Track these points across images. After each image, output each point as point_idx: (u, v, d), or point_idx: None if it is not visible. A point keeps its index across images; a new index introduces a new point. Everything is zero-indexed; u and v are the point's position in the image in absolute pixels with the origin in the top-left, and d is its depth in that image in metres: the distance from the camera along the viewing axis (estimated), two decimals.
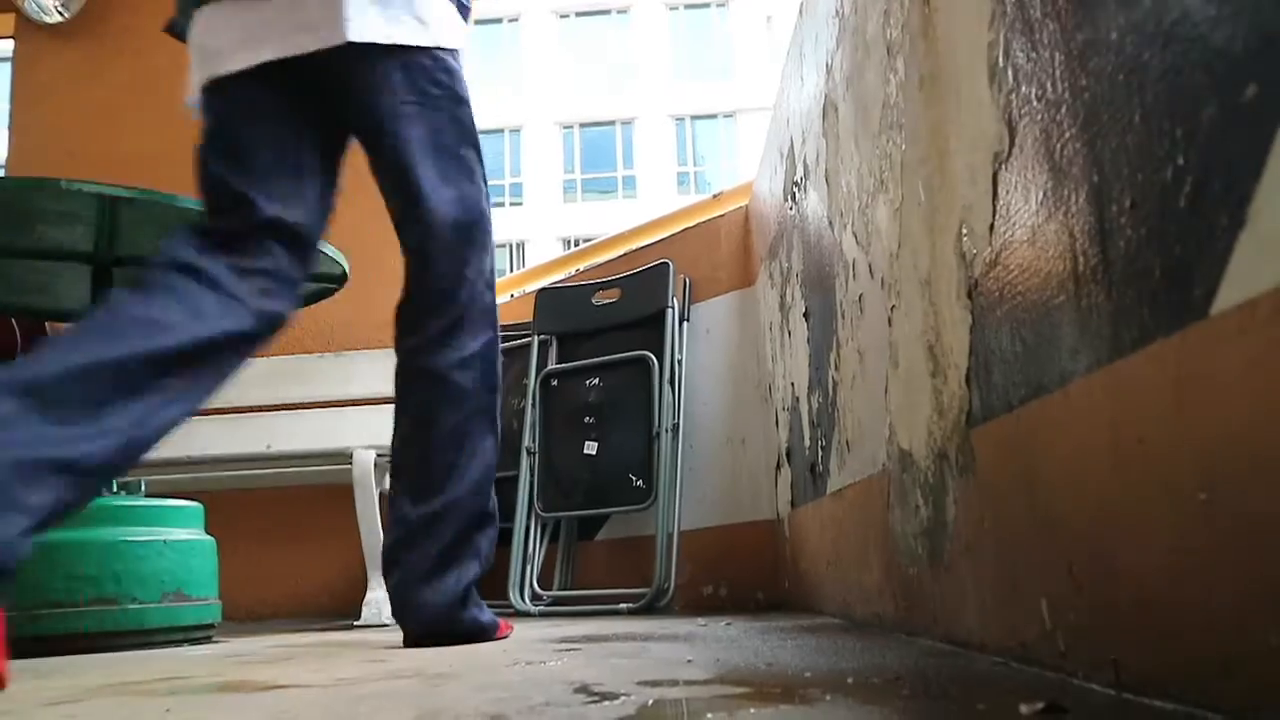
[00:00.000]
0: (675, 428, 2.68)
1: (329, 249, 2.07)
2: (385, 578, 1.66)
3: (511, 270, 10.06)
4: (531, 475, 2.84)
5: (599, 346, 2.93)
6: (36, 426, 1.15)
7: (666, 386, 2.71)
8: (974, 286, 0.97)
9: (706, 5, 25.14)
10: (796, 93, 1.99)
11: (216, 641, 1.93)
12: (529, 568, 2.75)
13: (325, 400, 3.18)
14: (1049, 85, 0.77)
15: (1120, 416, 0.67)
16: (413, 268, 1.69)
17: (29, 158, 3.52)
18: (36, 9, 3.53)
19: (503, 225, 22.11)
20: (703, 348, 2.84)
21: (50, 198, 1.78)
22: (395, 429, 1.70)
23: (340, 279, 2.29)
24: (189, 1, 1.61)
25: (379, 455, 2.69)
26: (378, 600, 2.59)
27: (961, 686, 0.80)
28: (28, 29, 3.63)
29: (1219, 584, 0.56)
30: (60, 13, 3.55)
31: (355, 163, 1.66)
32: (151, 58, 3.46)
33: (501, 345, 1.76)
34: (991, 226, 0.91)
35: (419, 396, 1.67)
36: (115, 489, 1.93)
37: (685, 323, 2.84)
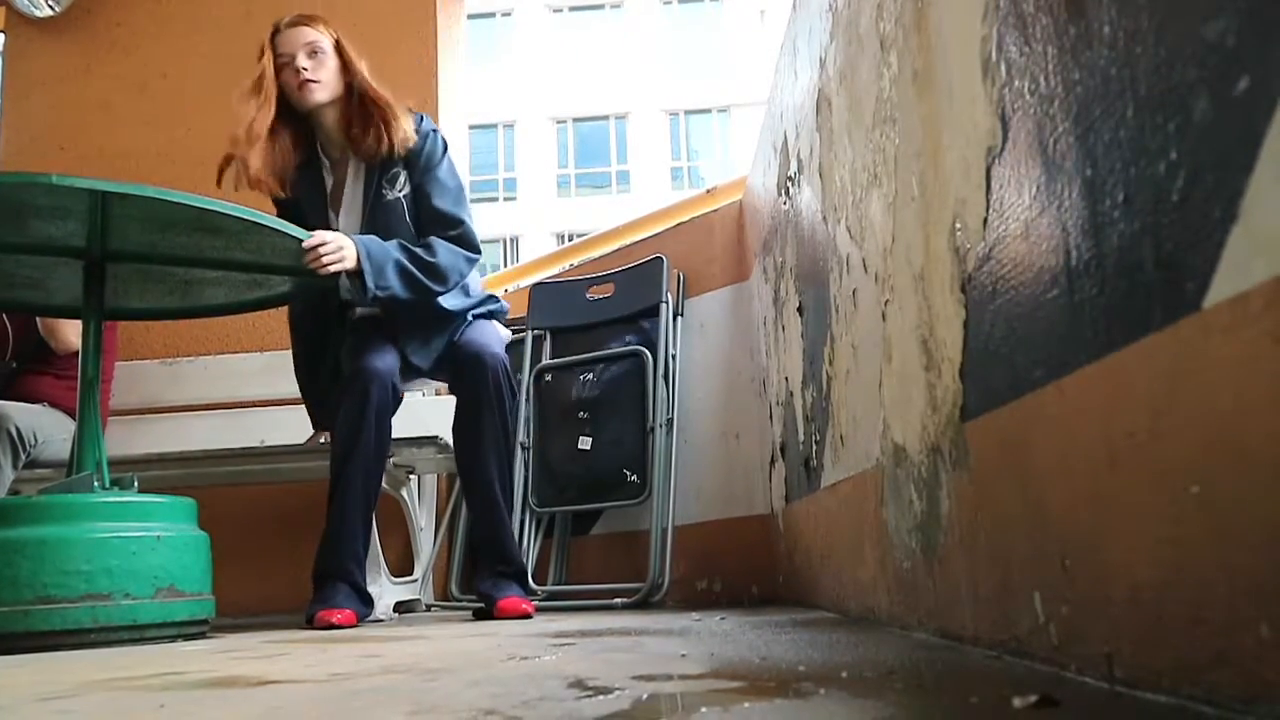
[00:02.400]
0: (669, 423, 2.68)
1: None
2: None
3: (505, 265, 10.06)
4: (526, 470, 2.84)
5: (593, 341, 2.93)
6: None
7: (660, 381, 2.71)
8: (968, 281, 0.97)
9: None
10: (790, 87, 1.98)
11: (210, 637, 1.93)
12: (524, 563, 2.75)
13: None
14: (1042, 79, 0.77)
15: (1113, 410, 0.67)
16: None
17: (20, 153, 3.50)
18: (27, 3, 3.51)
19: (496, 220, 22.07)
20: (697, 342, 2.84)
21: (41, 193, 1.76)
22: None
23: (334, 273, 2.28)
24: None
25: None
26: (373, 596, 2.58)
27: (955, 680, 0.80)
28: (18, 23, 3.60)
29: (1211, 577, 0.57)
30: (51, 7, 3.53)
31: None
32: (142, 52, 3.44)
33: None
34: (985, 221, 0.91)
35: None
36: (108, 484, 1.92)
37: (679, 317, 2.84)
